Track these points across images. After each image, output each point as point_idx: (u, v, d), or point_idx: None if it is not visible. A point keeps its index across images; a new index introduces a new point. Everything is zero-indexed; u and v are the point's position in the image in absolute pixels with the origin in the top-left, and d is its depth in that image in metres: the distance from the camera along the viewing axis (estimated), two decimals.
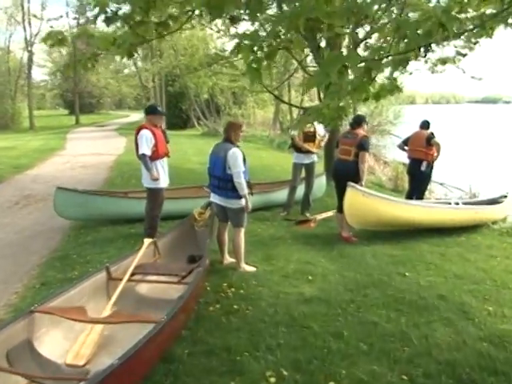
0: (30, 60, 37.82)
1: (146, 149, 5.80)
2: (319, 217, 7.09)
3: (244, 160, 4.85)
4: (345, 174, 6.21)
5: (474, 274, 5.03)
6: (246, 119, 28.82)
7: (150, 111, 6.07)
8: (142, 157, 5.84)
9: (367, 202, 5.99)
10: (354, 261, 5.31)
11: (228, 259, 5.17)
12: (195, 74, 14.99)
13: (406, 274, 4.91)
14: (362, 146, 6.07)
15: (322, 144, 7.83)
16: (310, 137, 7.45)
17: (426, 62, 9.36)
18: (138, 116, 42.46)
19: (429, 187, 14.13)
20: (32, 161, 14.33)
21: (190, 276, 4.02)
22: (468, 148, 22.24)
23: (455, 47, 7.63)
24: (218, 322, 3.74)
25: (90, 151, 17.05)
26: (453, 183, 14.06)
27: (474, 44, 6.66)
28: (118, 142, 20.07)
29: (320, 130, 7.60)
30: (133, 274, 4.10)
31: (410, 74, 11.11)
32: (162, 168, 6.03)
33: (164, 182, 6.07)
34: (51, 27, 42.51)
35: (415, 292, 4.40)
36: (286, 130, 27.45)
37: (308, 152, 7.46)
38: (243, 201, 4.86)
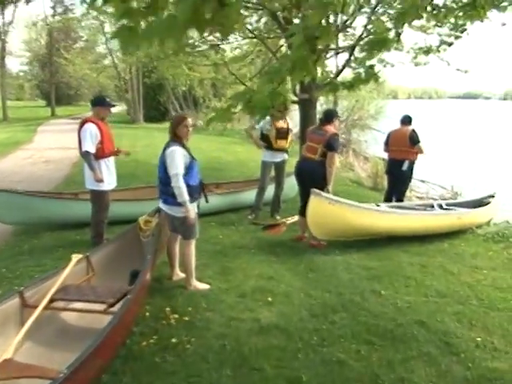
0: (3, 49, 36.41)
1: (89, 145, 5.10)
2: (289, 220, 6.44)
3: (191, 160, 4.15)
4: (309, 174, 5.60)
5: (459, 290, 4.42)
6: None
7: (97, 102, 5.36)
8: (85, 154, 5.12)
9: (334, 211, 5.36)
10: (324, 275, 4.66)
11: (179, 274, 4.48)
12: (171, 64, 14.23)
13: (382, 292, 4.27)
14: (331, 145, 5.43)
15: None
16: (283, 133, 6.77)
17: (407, 51, 8.71)
18: (117, 108, 41.33)
19: (410, 185, 13.71)
20: None
21: (121, 303, 3.31)
22: (450, 144, 21.86)
23: (439, 35, 6.99)
24: (151, 362, 3.05)
25: (57, 145, 16.15)
26: (435, 180, 13.59)
27: (462, 32, 6.04)
28: None
29: (291, 124, 6.95)
30: (53, 301, 3.39)
31: (392, 66, 10.47)
32: (107, 168, 5.31)
33: (109, 184, 5.35)
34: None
35: (391, 317, 3.76)
36: None
37: (279, 150, 6.79)
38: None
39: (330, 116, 5.71)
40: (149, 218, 4.56)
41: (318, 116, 8.59)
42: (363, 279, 4.58)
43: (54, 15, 43.53)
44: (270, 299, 4.02)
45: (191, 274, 4.27)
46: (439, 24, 6.30)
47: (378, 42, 3.36)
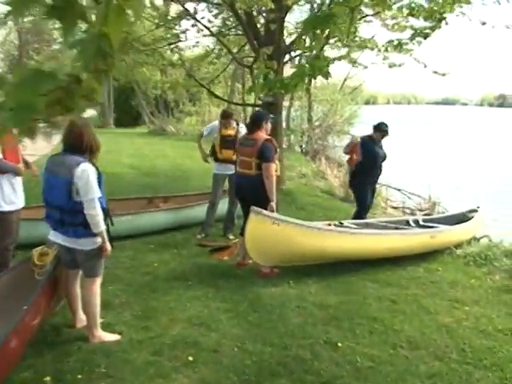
0: None
1: None
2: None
3: (99, 178, 3.22)
4: (250, 191, 4.80)
5: (435, 338, 3.54)
6: (201, 117, 27.12)
7: None
8: None
9: (278, 232, 4.51)
10: (269, 318, 3.74)
11: (84, 321, 3.51)
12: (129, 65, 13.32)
13: (339, 344, 3.36)
14: (264, 154, 4.63)
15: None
16: (230, 142, 5.83)
17: (378, 49, 7.92)
18: (89, 112, 40.02)
19: (385, 194, 12.97)
20: None
21: None
22: (427, 151, 21.31)
23: (414, 30, 6.16)
24: None
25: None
26: (412, 189, 12.88)
27: (440, 21, 5.22)
28: (52, 140, 17.97)
29: (242, 131, 6.04)
30: None
31: (365, 67, 9.70)
32: (9, 184, 4.31)
33: (13, 204, 4.34)
34: None
35: None
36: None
37: (225, 161, 5.88)
38: (99, 239, 3.22)
39: (257, 120, 4.89)
40: (45, 249, 3.59)
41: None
42: (318, 323, 3.68)
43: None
44: (191, 358, 3.07)
45: (95, 322, 3.31)
46: (413, 13, 5.48)
47: (324, 18, 2.49)
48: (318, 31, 2.81)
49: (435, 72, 9.75)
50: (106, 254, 3.28)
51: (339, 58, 9.43)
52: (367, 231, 5.22)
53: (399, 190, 12.98)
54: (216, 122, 5.99)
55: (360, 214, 6.23)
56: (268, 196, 4.63)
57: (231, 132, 5.89)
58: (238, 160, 4.95)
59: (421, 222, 6.58)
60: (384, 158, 6.29)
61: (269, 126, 4.94)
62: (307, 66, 3.05)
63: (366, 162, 6.11)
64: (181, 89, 23.75)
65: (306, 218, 7.38)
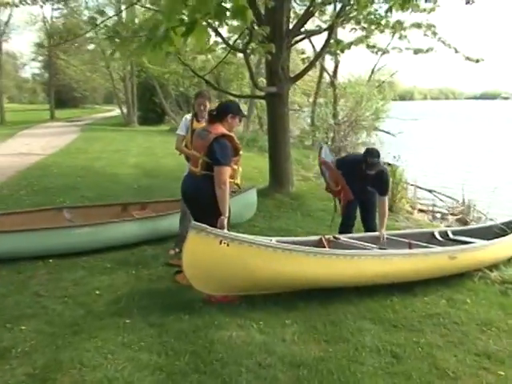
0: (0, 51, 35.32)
1: None
2: None
3: None
4: (193, 196, 3.89)
5: None
6: None
7: None
8: None
9: (229, 254, 3.48)
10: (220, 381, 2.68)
11: None
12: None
13: None
14: (214, 154, 3.67)
15: None
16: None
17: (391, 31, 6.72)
18: (115, 111, 40.15)
19: (412, 196, 11.59)
20: None
21: None
22: (463, 148, 19.62)
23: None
24: None
25: (20, 150, 14.49)
26: (445, 191, 11.50)
27: None
28: (65, 140, 17.58)
29: None
30: None
31: (385, 52, 8.44)
32: None
33: None
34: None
35: None
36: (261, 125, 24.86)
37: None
38: None
39: (221, 110, 3.88)
40: None
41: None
42: None
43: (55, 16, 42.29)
44: None
45: None
46: None
47: None
48: None
49: (468, 58, 8.47)
50: None
51: (356, 43, 8.22)
52: (355, 253, 4.00)
53: (430, 191, 11.63)
54: (188, 116, 4.96)
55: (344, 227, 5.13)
56: (219, 207, 3.60)
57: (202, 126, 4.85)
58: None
59: (450, 235, 5.35)
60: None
61: (235, 122, 3.91)
62: None
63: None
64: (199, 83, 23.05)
65: (310, 226, 6.29)
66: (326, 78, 18.82)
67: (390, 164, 15.69)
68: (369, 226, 5.16)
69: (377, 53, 8.38)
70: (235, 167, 3.84)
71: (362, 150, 18.77)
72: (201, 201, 3.83)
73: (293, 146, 17.31)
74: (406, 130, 18.53)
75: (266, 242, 3.65)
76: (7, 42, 37.18)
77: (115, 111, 41.85)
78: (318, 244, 4.56)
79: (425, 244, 4.59)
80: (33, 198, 7.56)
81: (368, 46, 7.93)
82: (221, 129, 3.74)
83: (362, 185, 4.92)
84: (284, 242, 4.40)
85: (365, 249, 4.31)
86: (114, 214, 5.64)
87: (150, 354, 2.96)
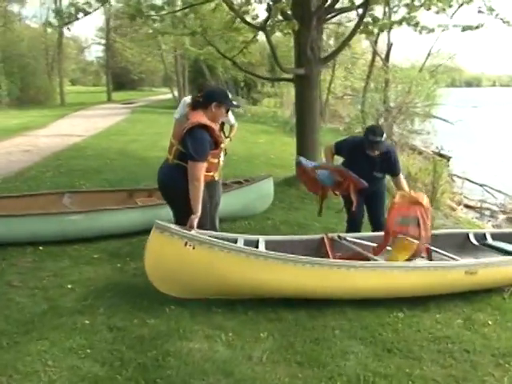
0: (61, 35, 36.59)
1: None
2: None
3: None
4: (166, 185, 3.54)
5: None
6: (279, 98, 25.74)
7: None
8: None
9: (194, 258, 3.12)
10: None
11: None
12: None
13: None
14: (186, 145, 3.29)
15: (232, 134, 4.81)
16: None
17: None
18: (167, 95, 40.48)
19: (459, 189, 10.64)
20: None
21: None
22: None
23: None
24: None
25: (67, 131, 14.76)
26: (499, 185, 10.50)
27: None
28: (110, 121, 17.83)
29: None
30: None
31: (431, 31, 7.59)
32: None
33: None
34: None
35: None
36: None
37: None
38: None
39: (205, 97, 3.45)
40: None
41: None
42: None
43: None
44: None
45: None
46: None
47: None
48: None
49: None
50: None
51: (399, 22, 7.47)
52: (344, 263, 3.41)
53: (481, 185, 10.65)
54: (187, 98, 4.57)
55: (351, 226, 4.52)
56: (191, 204, 3.20)
57: None
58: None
59: (488, 240, 4.66)
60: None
61: (221, 112, 3.47)
62: None
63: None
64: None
65: (329, 220, 5.72)
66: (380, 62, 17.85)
67: (442, 155, 14.68)
68: (377, 222, 4.54)
69: (421, 32, 7.54)
70: (214, 160, 3.45)
71: (414, 139, 17.71)
72: (172, 192, 3.49)
73: (338, 133, 16.70)
74: (466, 118, 17.21)
75: (238, 247, 3.21)
76: (72, 25, 38.33)
77: (170, 94, 42.35)
78: (319, 244, 4.07)
79: (444, 252, 3.95)
80: (55, 180, 7.53)
81: (409, 25, 7.13)
82: (200, 117, 3.33)
83: (367, 171, 4.25)
84: (280, 242, 3.97)
85: (365, 257, 3.75)
86: (119, 200, 5.40)
87: (94, 363, 2.64)
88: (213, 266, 3.18)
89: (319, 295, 3.37)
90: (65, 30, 37.69)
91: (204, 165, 3.26)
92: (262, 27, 5.97)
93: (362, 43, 22.99)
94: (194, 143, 3.23)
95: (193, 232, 3.22)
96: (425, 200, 3.81)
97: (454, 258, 3.83)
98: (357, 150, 4.24)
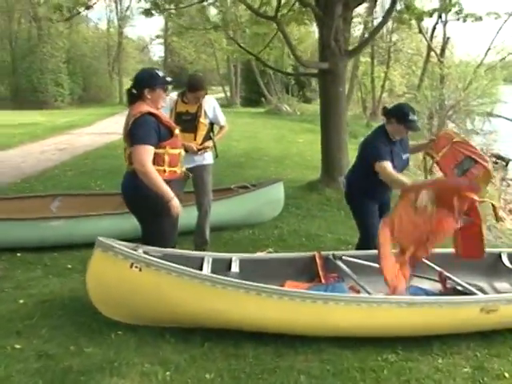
0: (120, 35, 37.81)
1: None
2: None
3: None
4: (124, 196, 3.14)
5: None
6: None
7: None
8: None
9: (141, 281, 2.70)
10: None
11: None
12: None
13: None
14: (133, 136, 2.87)
15: (219, 136, 4.31)
16: (188, 122, 3.97)
17: None
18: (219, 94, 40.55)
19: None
20: (22, 139, 12.34)
21: None
22: None
23: None
24: None
25: (107, 129, 14.94)
26: None
27: None
28: None
29: (210, 107, 4.09)
30: None
31: (478, 19, 6.71)
32: None
33: None
34: None
35: None
36: (365, 108, 23.16)
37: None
38: None
39: (136, 87, 2.97)
40: None
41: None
42: None
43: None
44: None
45: None
46: None
47: None
48: None
49: None
50: None
51: (441, 10, 6.68)
52: (320, 295, 2.78)
53: None
54: (173, 95, 4.14)
55: (364, 244, 3.78)
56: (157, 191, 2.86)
57: (190, 108, 4.01)
58: None
59: None
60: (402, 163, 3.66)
61: (158, 95, 2.98)
62: None
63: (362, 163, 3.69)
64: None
65: (346, 231, 5.10)
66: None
67: (501, 157, 13.35)
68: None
69: (465, 20, 6.67)
70: (174, 151, 3.00)
71: (473, 139, 16.38)
72: (133, 202, 3.09)
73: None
74: None
75: (190, 271, 2.71)
76: (133, 26, 39.45)
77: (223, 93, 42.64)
78: (309, 264, 3.51)
79: (458, 281, 3.25)
80: (73, 180, 7.44)
81: (449, 11, 6.32)
82: (142, 107, 2.91)
83: (402, 157, 3.61)
84: (259, 261, 3.48)
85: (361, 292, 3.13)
86: (114, 204, 5.08)
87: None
88: (162, 291, 2.74)
89: (288, 331, 2.82)
90: (125, 29, 39.06)
91: (149, 148, 2.81)
92: (273, 17, 5.43)
93: (417, 37, 21.65)
94: (136, 128, 2.84)
95: (140, 252, 2.81)
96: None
97: (468, 290, 3.14)
98: (388, 142, 3.54)
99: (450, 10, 6.29)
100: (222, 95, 34.77)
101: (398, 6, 6.26)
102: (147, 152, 2.80)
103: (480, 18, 6.61)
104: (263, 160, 9.92)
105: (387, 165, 3.35)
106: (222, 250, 4.47)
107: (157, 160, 2.91)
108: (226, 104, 29.15)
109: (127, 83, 39.46)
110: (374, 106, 21.58)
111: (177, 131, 3.05)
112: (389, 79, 21.32)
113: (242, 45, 8.08)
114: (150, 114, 2.87)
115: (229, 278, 2.73)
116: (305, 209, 6.10)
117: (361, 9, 12.14)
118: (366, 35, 12.75)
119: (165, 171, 2.96)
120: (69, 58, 30.98)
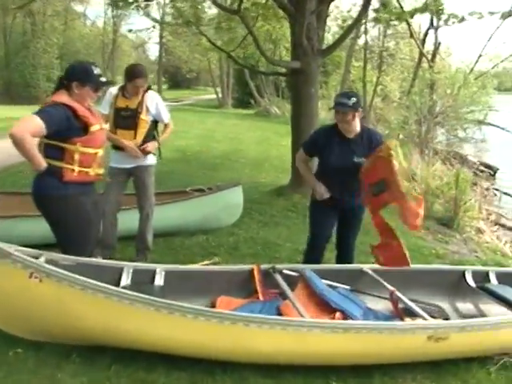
0: (115, 32, 37.60)
1: None
2: None
3: None
4: (34, 197, 2.82)
5: None
6: (326, 100, 24.67)
7: None
8: None
9: (41, 294, 2.40)
10: None
11: None
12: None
13: None
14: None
15: (164, 136, 3.99)
16: (127, 119, 3.65)
17: None
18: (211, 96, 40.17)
19: (493, 206, 9.30)
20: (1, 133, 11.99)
21: None
22: None
23: None
24: None
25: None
26: None
27: None
28: None
29: (152, 103, 3.76)
30: None
31: (461, 20, 6.44)
32: None
33: None
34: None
35: None
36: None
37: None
38: None
39: (65, 76, 2.72)
40: None
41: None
42: None
43: None
44: None
45: None
46: None
47: None
48: None
49: None
50: None
51: (422, 10, 6.39)
52: (238, 316, 2.44)
53: None
54: (112, 90, 3.82)
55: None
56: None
57: (130, 104, 3.69)
58: None
59: (492, 282, 3.61)
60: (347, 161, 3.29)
61: (87, 92, 2.69)
62: None
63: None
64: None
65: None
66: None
67: (489, 166, 13.10)
68: (345, 251, 3.60)
69: (447, 22, 6.40)
70: (87, 150, 2.68)
71: (462, 147, 16.04)
72: (43, 204, 2.77)
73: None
74: None
75: (94, 284, 2.38)
76: (132, 24, 39.09)
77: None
78: (248, 277, 3.20)
79: (409, 303, 2.94)
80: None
81: (431, 11, 6.03)
82: (60, 97, 2.63)
83: (347, 158, 3.25)
84: (188, 273, 3.16)
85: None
86: None
87: None
88: (63, 305, 2.42)
89: (205, 356, 2.51)
90: (122, 28, 38.74)
91: (38, 121, 2.45)
92: (236, 11, 5.13)
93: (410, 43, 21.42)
94: (38, 110, 2.55)
95: (41, 261, 2.50)
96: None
97: (418, 314, 2.83)
98: (332, 136, 3.29)
99: (431, 10, 6.01)
100: (213, 96, 34.49)
101: (377, 5, 5.98)
102: (34, 123, 2.45)
103: (463, 19, 6.33)
104: (240, 162, 9.62)
105: (300, 154, 3.46)
106: (168, 257, 4.19)
107: (65, 156, 2.61)
108: (216, 105, 28.89)
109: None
110: (365, 111, 21.29)
111: (94, 128, 2.73)
112: (382, 84, 21.06)
113: (219, 42, 7.79)
114: (65, 105, 2.57)
115: (137, 294, 2.41)
116: (268, 215, 5.79)
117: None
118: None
119: (73, 170, 2.65)
120: (62, 54, 30.58)
